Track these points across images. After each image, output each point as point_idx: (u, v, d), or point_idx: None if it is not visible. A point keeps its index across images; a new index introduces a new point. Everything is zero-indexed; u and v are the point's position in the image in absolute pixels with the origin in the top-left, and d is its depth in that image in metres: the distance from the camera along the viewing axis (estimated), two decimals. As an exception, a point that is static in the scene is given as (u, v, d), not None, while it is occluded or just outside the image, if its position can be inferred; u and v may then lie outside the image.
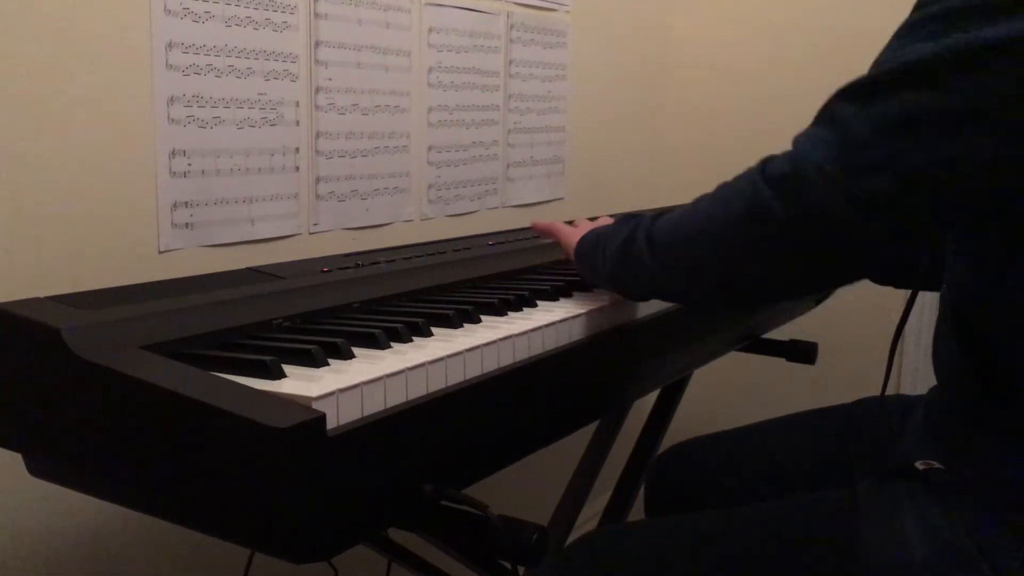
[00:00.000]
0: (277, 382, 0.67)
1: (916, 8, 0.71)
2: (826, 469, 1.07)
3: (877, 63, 0.71)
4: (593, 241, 0.95)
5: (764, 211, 0.71)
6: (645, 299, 0.96)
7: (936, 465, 0.81)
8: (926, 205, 0.68)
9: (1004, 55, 0.63)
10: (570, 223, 1.11)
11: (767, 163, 0.73)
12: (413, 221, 1.52)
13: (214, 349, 0.76)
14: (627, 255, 0.86)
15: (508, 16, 1.70)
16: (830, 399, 1.19)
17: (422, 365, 0.72)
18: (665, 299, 0.93)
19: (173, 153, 1.13)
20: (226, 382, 0.65)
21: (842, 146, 0.68)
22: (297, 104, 1.28)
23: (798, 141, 0.72)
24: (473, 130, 1.64)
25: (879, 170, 0.66)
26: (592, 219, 1.12)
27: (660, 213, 0.86)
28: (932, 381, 0.90)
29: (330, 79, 1.33)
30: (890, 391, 1.04)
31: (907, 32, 0.70)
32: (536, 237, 1.25)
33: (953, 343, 0.82)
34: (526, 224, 1.24)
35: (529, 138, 1.80)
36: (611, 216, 1.14)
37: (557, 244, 1.10)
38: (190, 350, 0.74)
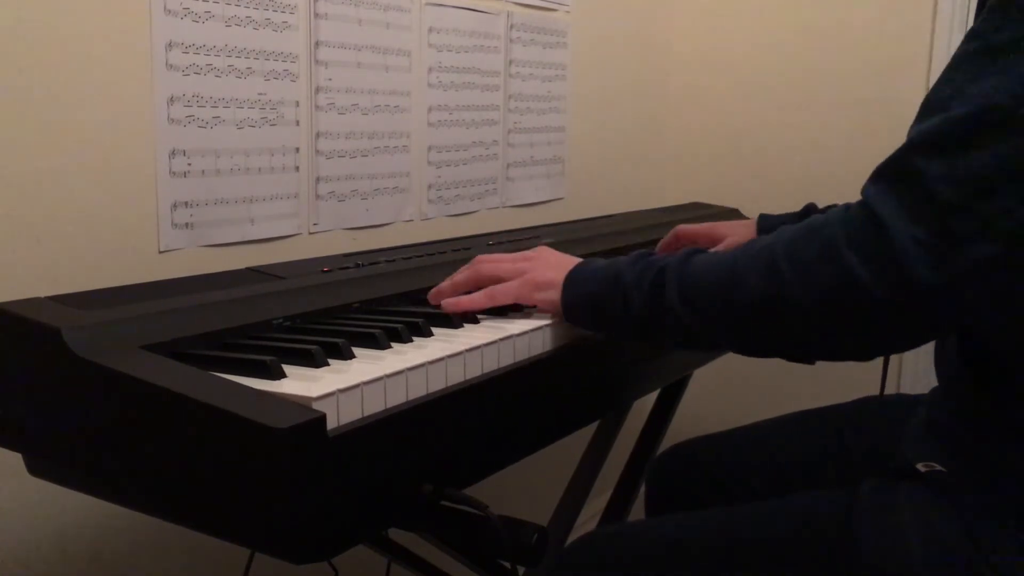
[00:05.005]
0: (277, 382, 0.67)
1: (975, 36, 0.66)
2: (826, 469, 1.07)
3: (941, 103, 0.66)
4: (596, 296, 0.83)
5: (857, 290, 0.66)
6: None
7: (937, 467, 0.81)
8: None
9: None
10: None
11: (846, 225, 0.67)
12: (413, 221, 1.52)
13: (214, 349, 0.76)
14: (657, 309, 0.78)
15: (508, 16, 1.69)
16: (830, 399, 1.19)
17: (422, 365, 0.71)
18: (701, 351, 0.87)
19: (173, 153, 1.13)
20: (226, 382, 0.65)
21: (936, 215, 0.63)
22: (297, 104, 1.28)
23: (875, 203, 0.66)
24: (473, 130, 1.64)
25: (979, 236, 0.62)
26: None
27: (686, 257, 0.78)
28: (932, 381, 0.90)
29: (330, 79, 1.33)
30: (890, 391, 1.04)
31: (974, 61, 0.65)
32: (536, 237, 1.25)
33: (952, 350, 0.82)
34: (526, 224, 1.24)
35: (529, 138, 1.80)
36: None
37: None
38: (190, 350, 0.74)
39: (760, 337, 0.75)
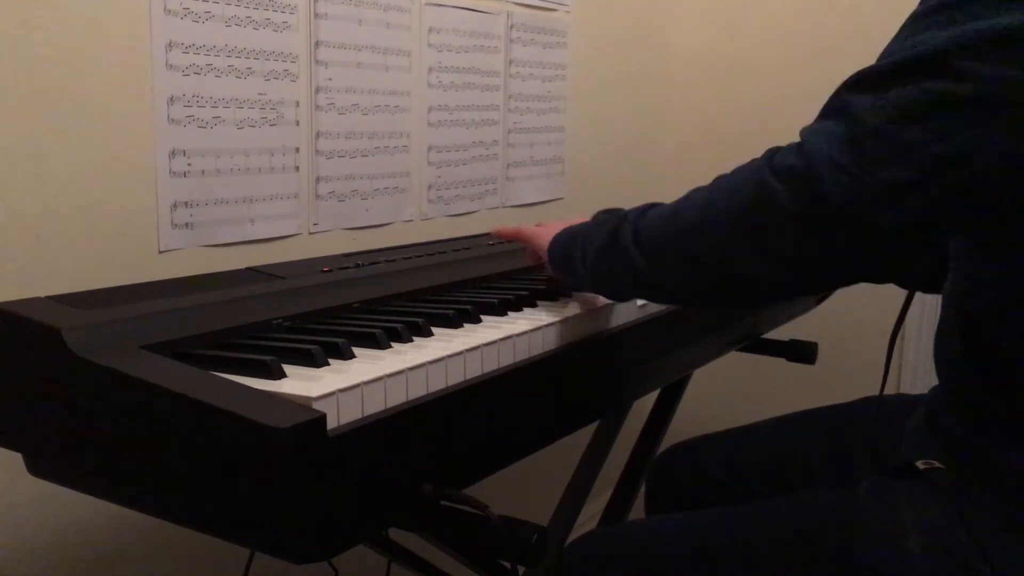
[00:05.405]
0: (277, 382, 0.67)
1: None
2: (826, 469, 1.07)
3: (887, 53, 0.69)
4: (569, 239, 0.90)
5: (772, 205, 0.68)
6: (625, 299, 0.93)
7: (937, 465, 0.81)
8: (943, 196, 0.65)
9: (1022, 43, 0.62)
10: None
11: (773, 154, 0.70)
12: (413, 221, 1.52)
13: (214, 349, 0.76)
14: (611, 250, 0.82)
15: (508, 16, 1.69)
16: (830, 399, 1.19)
17: (422, 365, 0.72)
18: (650, 298, 0.89)
19: (173, 153, 1.13)
20: (226, 382, 0.65)
21: (853, 137, 0.66)
22: (297, 104, 1.28)
23: (806, 133, 0.70)
24: (473, 130, 1.64)
25: (894, 160, 0.64)
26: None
27: (647, 206, 0.83)
28: (932, 381, 0.90)
29: (330, 79, 1.33)
30: (890, 391, 1.04)
31: (918, 21, 0.68)
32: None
33: (956, 341, 0.82)
34: (526, 224, 1.24)
35: (529, 138, 1.80)
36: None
37: (526, 248, 1.04)
38: (190, 350, 0.74)
39: (691, 270, 0.76)
